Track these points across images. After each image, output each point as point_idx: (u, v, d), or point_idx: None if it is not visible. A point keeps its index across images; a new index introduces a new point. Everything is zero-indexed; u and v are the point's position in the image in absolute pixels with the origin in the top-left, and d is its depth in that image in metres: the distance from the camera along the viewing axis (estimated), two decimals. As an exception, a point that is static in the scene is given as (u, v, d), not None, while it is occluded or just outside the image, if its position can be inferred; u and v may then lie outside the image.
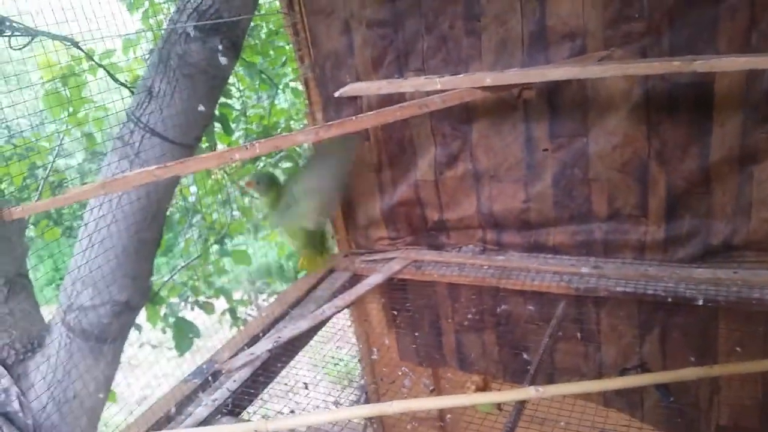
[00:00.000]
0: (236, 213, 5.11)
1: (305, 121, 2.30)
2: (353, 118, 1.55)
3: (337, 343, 2.21)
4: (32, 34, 2.84)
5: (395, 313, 2.40)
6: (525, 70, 1.72)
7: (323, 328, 2.07)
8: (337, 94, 1.74)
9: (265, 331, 1.93)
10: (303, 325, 1.91)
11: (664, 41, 1.76)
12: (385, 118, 1.61)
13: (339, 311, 2.02)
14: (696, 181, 1.88)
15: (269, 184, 2.30)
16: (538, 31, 1.88)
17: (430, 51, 2.00)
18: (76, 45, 3.16)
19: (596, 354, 2.17)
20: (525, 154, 2.04)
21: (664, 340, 2.04)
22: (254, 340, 1.89)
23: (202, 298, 4.78)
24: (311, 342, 2.04)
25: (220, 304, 4.80)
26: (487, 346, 2.35)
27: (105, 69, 3.63)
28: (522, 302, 2.18)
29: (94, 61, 3.67)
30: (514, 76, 1.62)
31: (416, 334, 2.42)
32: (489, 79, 1.61)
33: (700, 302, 1.82)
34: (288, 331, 1.88)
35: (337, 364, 2.11)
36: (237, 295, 5.40)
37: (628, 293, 1.91)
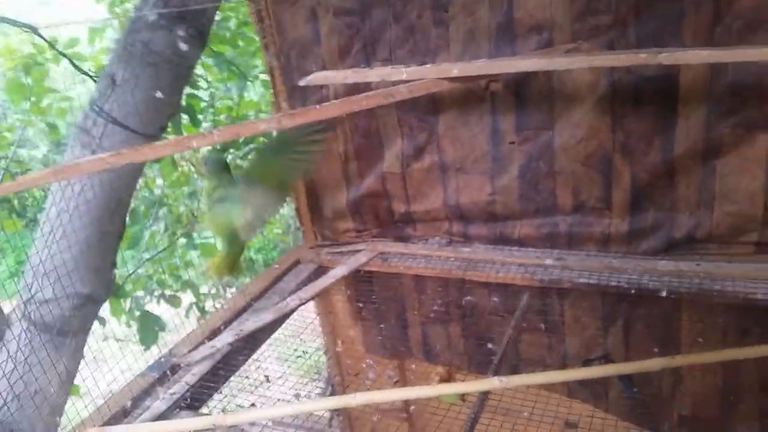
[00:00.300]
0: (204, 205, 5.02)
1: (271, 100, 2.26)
2: (317, 106, 1.52)
3: (302, 336, 2.18)
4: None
5: (361, 305, 2.38)
6: (492, 61, 1.71)
7: (290, 322, 2.04)
8: (302, 83, 1.72)
9: (227, 323, 1.90)
10: (266, 317, 1.88)
11: (631, 34, 1.77)
12: (350, 107, 1.59)
13: (303, 303, 1.99)
14: (660, 174, 1.89)
15: (217, 167, 2.12)
16: (506, 23, 1.87)
17: (398, 41, 1.98)
18: (36, 32, 3.08)
19: (560, 345, 2.18)
20: (491, 146, 2.04)
21: (628, 332, 2.06)
22: (215, 333, 1.86)
23: (168, 292, 4.71)
24: (277, 335, 2.01)
25: (188, 297, 4.73)
26: (452, 338, 2.34)
27: (66, 57, 3.55)
28: (487, 294, 2.18)
29: (55, 49, 3.58)
30: (481, 66, 1.61)
31: (382, 326, 2.40)
32: (456, 69, 1.60)
33: (664, 294, 1.83)
34: (251, 323, 1.85)
35: (300, 356, 2.08)
36: (204, 289, 5.32)
37: (591, 285, 1.92)
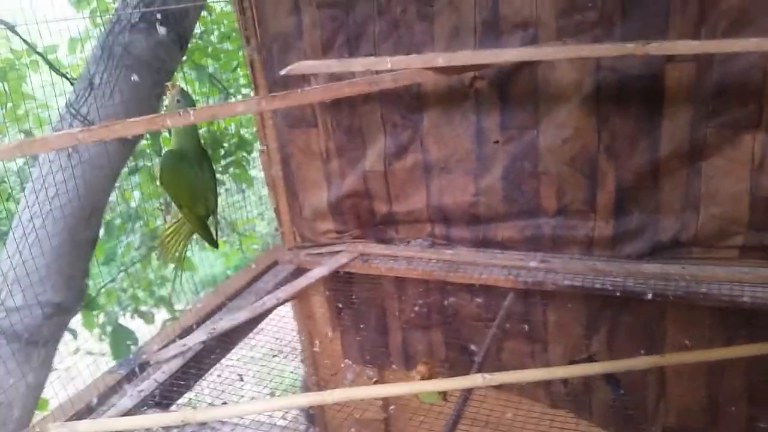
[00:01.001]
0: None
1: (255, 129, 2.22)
2: (299, 90, 1.48)
3: (282, 356, 2.12)
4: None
5: (340, 306, 2.32)
6: (478, 51, 1.68)
7: (268, 342, 1.98)
8: (284, 72, 1.67)
9: (200, 322, 1.82)
10: (241, 316, 1.81)
11: (617, 32, 1.76)
12: (333, 94, 1.55)
13: (281, 303, 1.92)
14: (645, 175, 1.87)
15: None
16: (491, 20, 1.86)
17: (382, 35, 1.95)
18: (12, 29, 3.02)
19: (543, 351, 2.13)
20: (475, 145, 2.00)
21: (613, 336, 2.02)
22: (187, 331, 1.78)
23: (142, 308, 4.61)
24: (253, 354, 1.95)
25: (163, 315, 4.63)
26: (433, 344, 2.28)
27: (44, 58, 3.49)
28: (469, 297, 2.14)
29: (33, 50, 3.51)
30: (466, 57, 1.59)
31: (361, 330, 2.33)
32: (441, 59, 1.57)
33: (649, 297, 1.80)
34: (224, 322, 1.78)
35: (278, 376, 2.00)
36: (180, 306, 5.21)
37: (575, 287, 1.88)
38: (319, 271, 2.06)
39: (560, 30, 1.81)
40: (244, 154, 4.83)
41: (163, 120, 1.27)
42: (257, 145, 2.71)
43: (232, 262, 5.97)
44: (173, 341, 1.71)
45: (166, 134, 3.66)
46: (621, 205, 1.93)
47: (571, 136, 1.89)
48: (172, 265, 4.47)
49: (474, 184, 2.05)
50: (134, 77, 2.34)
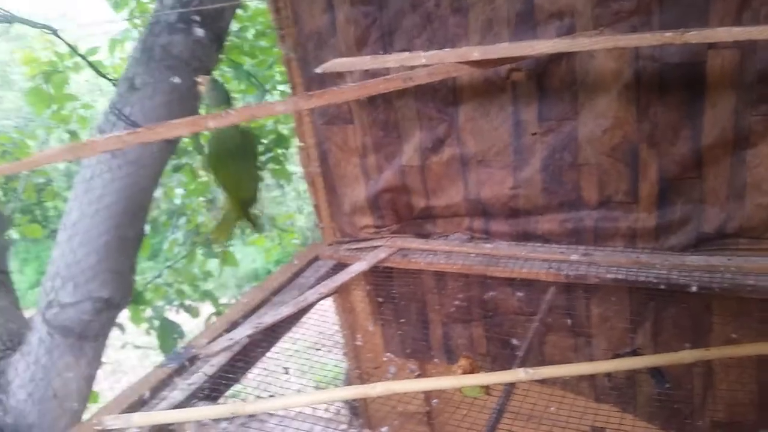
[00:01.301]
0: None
1: (293, 124, 2.25)
2: (335, 88, 1.49)
3: (324, 349, 2.15)
4: (9, 20, 2.80)
5: (380, 301, 2.33)
6: (512, 44, 1.67)
7: (310, 334, 2.01)
8: (318, 70, 1.69)
9: (246, 316, 1.86)
10: (285, 311, 1.84)
11: (654, 20, 1.72)
12: (368, 91, 1.56)
13: (322, 298, 1.95)
14: (688, 165, 1.83)
15: (221, 99, 2.06)
16: (526, 10, 1.84)
17: (415, 30, 1.95)
18: (55, 33, 3.12)
19: (587, 345, 2.11)
20: (513, 138, 1.99)
21: (657, 330, 1.99)
22: (234, 325, 1.82)
23: (187, 302, 4.71)
24: (297, 347, 1.98)
25: (207, 308, 4.74)
26: (474, 338, 2.28)
27: (86, 60, 3.58)
28: (510, 291, 2.12)
29: (76, 53, 3.62)
30: (501, 49, 1.57)
31: (402, 323, 2.35)
32: (476, 53, 1.56)
33: (694, 289, 1.76)
34: (269, 317, 1.81)
35: (319, 368, 2.03)
36: (224, 300, 5.32)
37: (619, 280, 1.86)
38: (358, 266, 2.08)
39: (597, 19, 1.78)
40: (283, 150, 4.88)
41: (205, 121, 1.30)
42: (295, 141, 2.75)
43: (273, 257, 6.06)
44: (221, 335, 1.75)
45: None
46: (664, 195, 1.89)
47: (612, 126, 1.87)
48: (216, 260, 4.59)
49: (512, 177, 2.04)
50: (176, 79, 2.39)
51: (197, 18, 2.50)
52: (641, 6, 1.72)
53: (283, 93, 4.93)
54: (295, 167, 5.51)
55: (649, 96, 1.81)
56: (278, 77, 4.98)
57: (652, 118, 1.82)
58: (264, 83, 5.01)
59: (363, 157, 2.20)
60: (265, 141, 5.02)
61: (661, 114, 1.81)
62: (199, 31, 2.51)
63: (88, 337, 2.55)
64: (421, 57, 1.59)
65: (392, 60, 1.68)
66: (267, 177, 5.10)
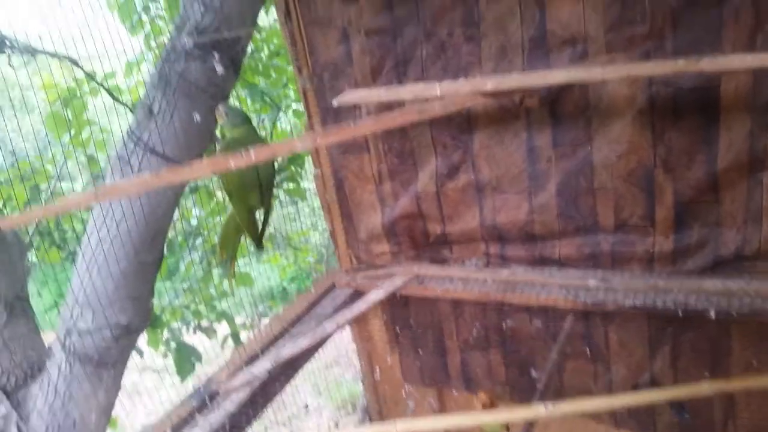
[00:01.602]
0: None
1: (304, 120, 2.27)
2: (352, 124, 1.51)
3: (336, 368, 2.15)
4: (32, 51, 2.85)
5: (398, 330, 2.33)
6: (526, 74, 1.68)
7: (323, 352, 2.01)
8: (335, 102, 1.71)
9: (264, 349, 1.87)
10: (303, 342, 1.85)
11: (668, 45, 1.72)
12: (384, 125, 1.57)
13: (340, 328, 1.95)
14: (704, 189, 1.82)
15: (237, 119, 2.22)
16: (539, 37, 1.84)
17: (429, 59, 1.97)
18: (75, 63, 3.17)
19: (606, 371, 2.09)
20: (528, 163, 1.99)
21: (676, 356, 1.97)
22: (253, 359, 1.83)
23: (204, 323, 4.73)
24: (311, 367, 1.98)
25: (223, 328, 4.75)
26: (492, 365, 2.27)
27: (105, 88, 3.63)
28: (528, 318, 2.12)
29: (94, 80, 3.67)
30: (515, 80, 1.58)
31: (420, 352, 2.35)
32: (490, 84, 1.57)
33: (712, 315, 1.75)
34: (288, 349, 1.82)
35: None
36: (239, 320, 5.33)
37: (637, 307, 1.84)
38: (375, 295, 2.08)
39: (609, 44, 1.78)
40: (297, 168, 4.91)
41: (227, 162, 1.31)
42: (309, 159, 2.78)
43: (288, 275, 6.08)
44: (240, 369, 1.76)
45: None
46: (680, 219, 1.88)
47: (626, 150, 1.86)
48: (233, 280, 4.62)
49: (528, 202, 2.04)
50: (196, 116, 2.42)
51: (213, 44, 2.52)
52: (654, 31, 1.73)
53: (296, 112, 4.97)
54: (308, 183, 5.53)
55: (664, 121, 1.80)
56: (292, 95, 5.02)
57: (666, 142, 1.82)
58: (278, 102, 5.04)
59: (379, 184, 2.21)
60: (279, 159, 5.05)
61: (676, 138, 1.81)
62: (216, 57, 2.54)
63: (107, 364, 2.57)
64: (435, 89, 1.60)
65: (407, 91, 1.69)
66: (281, 193, 5.12)
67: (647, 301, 1.84)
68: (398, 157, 2.15)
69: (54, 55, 3.03)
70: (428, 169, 2.12)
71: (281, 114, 5.14)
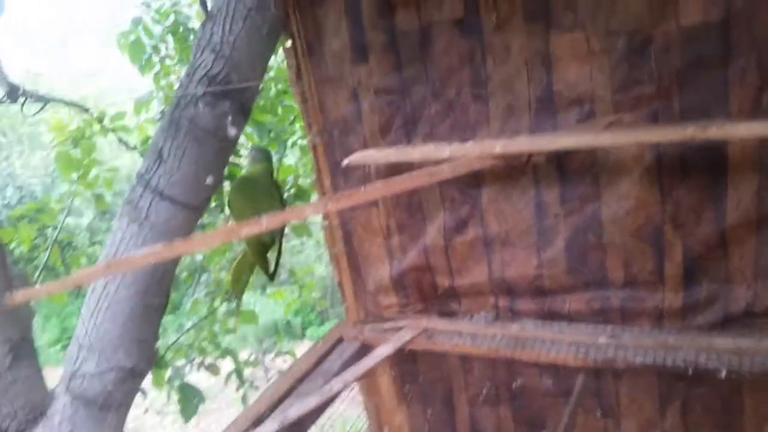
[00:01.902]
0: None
1: (313, 177, 2.29)
2: (362, 188, 1.52)
3: (342, 401, 2.13)
4: (44, 100, 2.89)
5: (406, 386, 2.32)
6: (534, 137, 1.70)
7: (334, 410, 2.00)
8: (344, 164, 1.72)
9: (272, 408, 1.86)
10: (311, 402, 1.83)
11: (675, 105, 1.74)
12: (393, 189, 1.59)
13: (348, 385, 1.94)
14: (712, 245, 1.83)
15: (261, 157, 2.37)
16: (546, 97, 1.86)
17: (438, 117, 1.99)
18: (86, 111, 3.21)
19: (616, 428, 2.08)
20: (536, 219, 2.00)
21: (687, 412, 1.96)
22: (260, 419, 1.82)
23: (208, 360, 4.71)
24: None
25: (227, 364, 4.73)
26: (502, 422, 2.26)
27: (117, 137, 3.67)
28: (538, 375, 2.11)
29: (104, 127, 3.72)
30: (523, 143, 1.60)
31: (428, 408, 2.33)
32: (498, 147, 1.59)
33: (723, 374, 1.74)
34: (295, 409, 1.81)
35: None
36: (244, 355, 5.32)
37: (647, 365, 1.83)
38: (383, 350, 2.07)
39: (617, 105, 1.80)
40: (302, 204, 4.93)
41: (239, 230, 1.33)
42: (314, 194, 2.80)
43: (292, 309, 6.06)
44: (247, 430, 1.75)
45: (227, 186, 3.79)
46: (690, 275, 1.88)
47: (635, 207, 1.87)
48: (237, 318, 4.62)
49: (537, 257, 2.04)
50: (209, 180, 2.49)
51: (223, 92, 2.56)
52: (661, 91, 1.74)
53: (303, 148, 5.00)
54: (314, 217, 5.55)
55: (672, 178, 1.82)
56: (299, 131, 5.06)
57: (675, 199, 1.83)
58: (285, 138, 5.07)
59: (387, 238, 2.22)
60: (285, 195, 5.08)
61: (684, 196, 1.82)
62: (226, 104, 2.57)
63: (111, 407, 2.56)
64: (444, 151, 1.62)
65: (416, 152, 1.71)
66: (286, 227, 5.13)
67: (657, 359, 1.83)
68: (406, 211, 2.16)
69: (65, 102, 3.07)
70: (436, 222, 2.13)
71: (288, 151, 5.19)
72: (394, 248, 2.24)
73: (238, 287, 2.55)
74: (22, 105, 2.77)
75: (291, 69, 2.07)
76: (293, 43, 2.14)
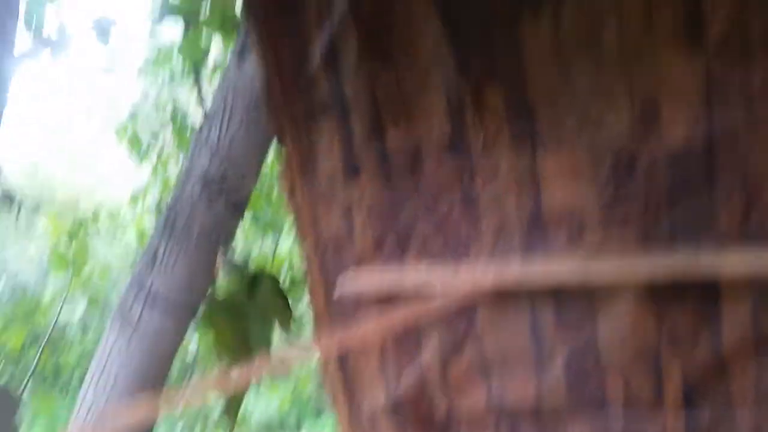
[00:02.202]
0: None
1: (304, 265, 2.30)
2: (357, 330, 1.51)
3: None
4: (37, 209, 2.92)
5: None
6: (526, 269, 1.70)
7: None
8: (336, 294, 1.72)
9: None
10: None
11: (664, 221, 1.73)
12: (390, 324, 1.58)
13: None
14: (711, 368, 1.79)
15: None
16: (535, 214, 1.86)
17: (430, 234, 1.99)
18: (81, 222, 3.24)
19: None
20: (532, 341, 1.97)
21: None
22: None
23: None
24: None
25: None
26: None
27: (105, 234, 3.68)
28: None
29: (98, 227, 3.75)
30: (515, 274, 1.60)
31: None
32: (491, 277, 1.59)
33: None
34: None
35: None
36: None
37: (651, 494, 1.77)
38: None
39: (606, 221, 1.80)
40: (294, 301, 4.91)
41: (229, 383, 1.30)
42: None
43: (286, 407, 5.93)
44: None
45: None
46: (689, 398, 1.83)
47: (630, 329, 1.84)
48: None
49: (534, 381, 1.99)
50: (203, 283, 2.47)
51: (219, 191, 2.59)
52: (649, 210, 1.74)
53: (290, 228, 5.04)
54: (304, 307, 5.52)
55: (665, 300, 1.79)
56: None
57: (670, 321, 1.80)
58: (281, 225, 5.12)
59: (382, 363, 2.18)
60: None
61: (680, 318, 1.79)
62: (221, 204, 2.59)
63: None
64: (435, 285, 1.62)
65: (408, 280, 1.70)
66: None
67: (662, 488, 1.76)
68: (401, 335, 2.13)
69: (58, 212, 3.10)
70: (431, 346, 2.09)
71: (281, 238, 5.22)
72: (390, 374, 2.17)
73: (233, 410, 2.40)
74: (17, 215, 2.80)
75: (285, 185, 2.09)
76: (288, 159, 2.17)
